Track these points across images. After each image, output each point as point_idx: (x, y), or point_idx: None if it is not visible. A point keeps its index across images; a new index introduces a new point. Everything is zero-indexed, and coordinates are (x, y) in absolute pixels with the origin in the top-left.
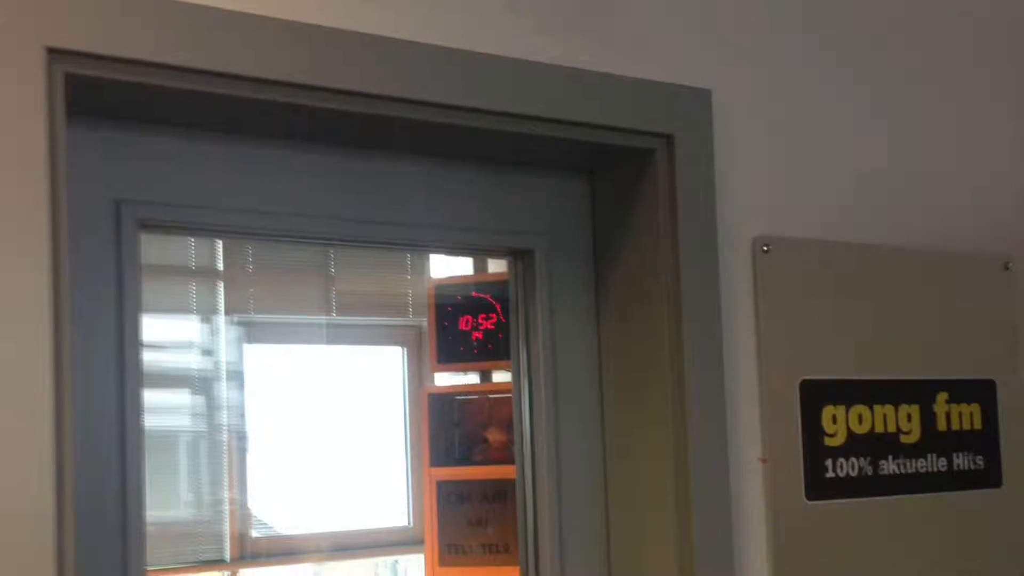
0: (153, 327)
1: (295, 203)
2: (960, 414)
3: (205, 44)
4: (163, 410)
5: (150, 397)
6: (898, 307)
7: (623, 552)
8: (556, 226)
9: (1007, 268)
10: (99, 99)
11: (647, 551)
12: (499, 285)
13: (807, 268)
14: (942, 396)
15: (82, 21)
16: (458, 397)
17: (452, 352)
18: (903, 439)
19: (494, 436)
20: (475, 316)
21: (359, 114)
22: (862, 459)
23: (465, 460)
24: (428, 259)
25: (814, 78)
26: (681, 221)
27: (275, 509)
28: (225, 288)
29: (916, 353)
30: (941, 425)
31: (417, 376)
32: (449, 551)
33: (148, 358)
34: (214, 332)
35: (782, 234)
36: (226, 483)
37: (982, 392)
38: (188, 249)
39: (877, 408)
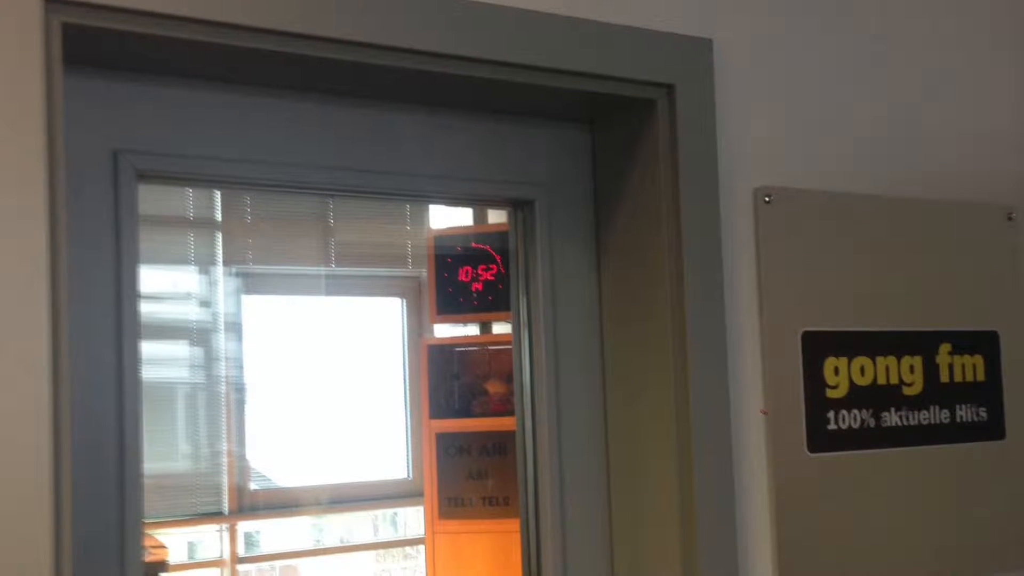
0: (151, 278)
1: (294, 153)
2: (963, 366)
3: None
4: (161, 362)
5: (148, 349)
6: (900, 258)
7: (623, 504)
8: (557, 176)
9: (1010, 219)
10: (96, 49)
11: (648, 503)
12: (499, 236)
13: (809, 219)
14: (945, 347)
15: None
16: (458, 349)
17: (452, 303)
18: (905, 391)
19: (494, 388)
20: (475, 267)
21: (357, 63)
22: (864, 411)
23: (465, 412)
24: (428, 210)
25: (815, 27)
26: (682, 172)
27: (274, 462)
28: (223, 239)
29: (919, 304)
30: (944, 377)
31: (416, 327)
32: (449, 504)
33: (146, 309)
34: (212, 283)
35: (783, 184)
36: (224, 435)
37: (985, 343)
38: (186, 200)
39: (879, 360)
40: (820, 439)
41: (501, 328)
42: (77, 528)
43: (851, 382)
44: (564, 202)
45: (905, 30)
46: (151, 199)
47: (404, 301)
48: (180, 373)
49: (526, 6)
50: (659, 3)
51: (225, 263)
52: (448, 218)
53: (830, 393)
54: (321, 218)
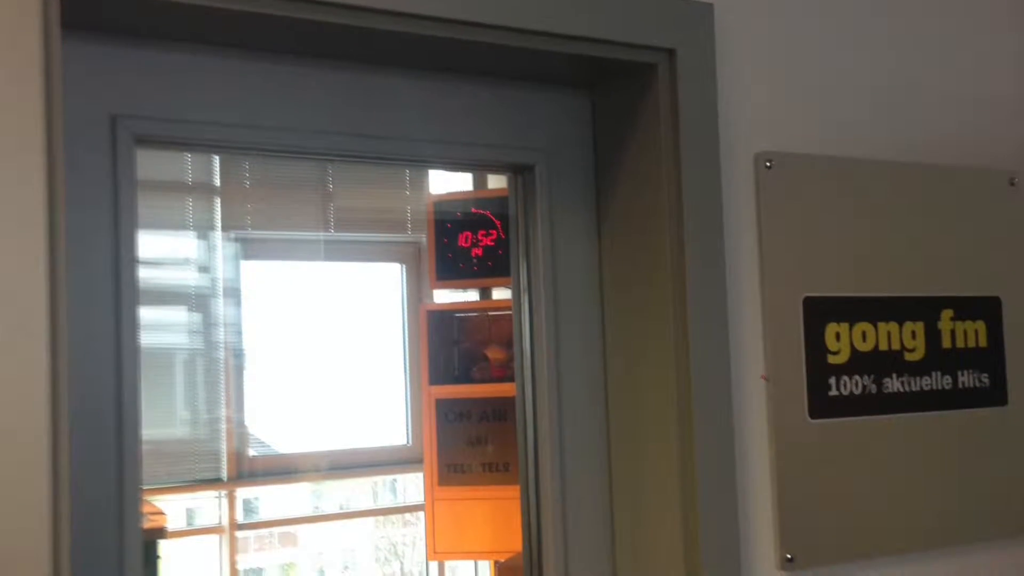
0: (149, 243)
1: (292, 118)
2: (965, 331)
3: None
4: (159, 328)
5: (146, 314)
6: (902, 223)
7: (624, 470)
8: (557, 142)
9: (1012, 183)
10: (96, 13)
11: (648, 468)
12: (499, 201)
13: (810, 184)
14: (947, 313)
15: None
16: (457, 314)
17: (451, 269)
18: (907, 357)
19: (494, 354)
20: (475, 232)
21: (357, 28)
22: (866, 377)
23: (464, 378)
24: (427, 175)
25: None
26: (683, 137)
27: (273, 428)
28: (222, 204)
29: (921, 270)
30: (946, 342)
31: (416, 293)
32: (448, 470)
33: (144, 275)
34: (211, 248)
35: (785, 150)
36: (223, 401)
37: (988, 309)
38: (185, 165)
39: (881, 325)
40: (821, 405)
41: (501, 294)
42: (75, 495)
43: (853, 348)
44: (564, 167)
45: None
46: (149, 164)
47: (403, 267)
48: (179, 339)
49: None
50: None
51: (224, 228)
52: (448, 183)
53: (831, 359)
54: (320, 183)
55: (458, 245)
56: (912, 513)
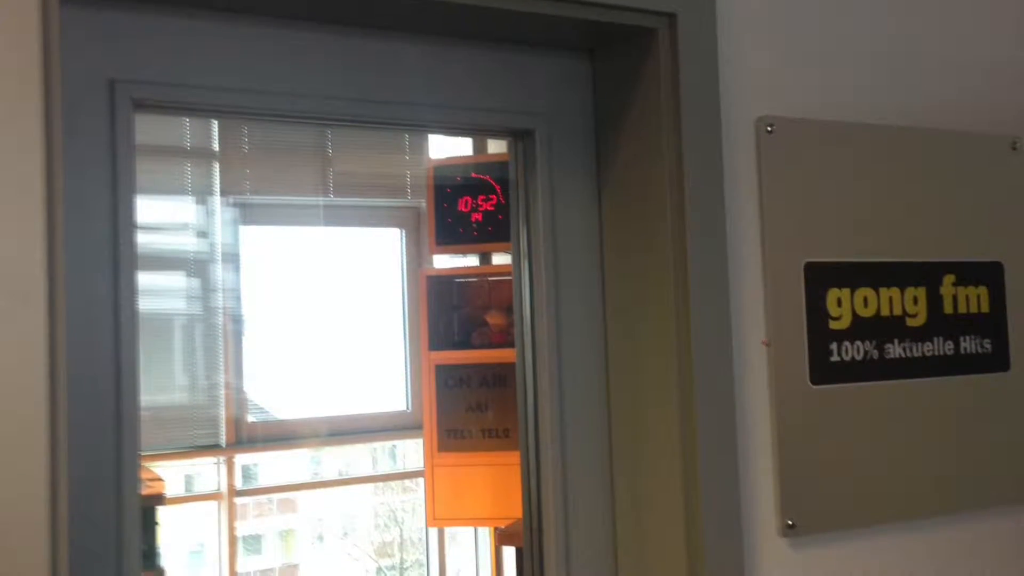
0: (148, 208)
1: (291, 82)
2: (967, 297)
3: None
4: (158, 293)
5: (144, 280)
6: (904, 188)
7: (624, 436)
8: (557, 106)
9: (1014, 148)
10: None
11: (649, 434)
12: (499, 165)
13: (811, 149)
14: (949, 278)
15: None
16: (457, 280)
17: (451, 234)
18: (909, 322)
19: (494, 319)
20: (474, 197)
21: None
22: (868, 342)
23: (464, 344)
24: (427, 139)
25: None
26: (684, 101)
27: (272, 394)
28: (221, 169)
29: (922, 235)
30: (948, 308)
31: (415, 258)
32: (448, 436)
33: (143, 240)
34: (209, 213)
35: (786, 114)
36: (222, 367)
37: (990, 274)
38: (183, 129)
39: (883, 291)
40: (823, 371)
41: (501, 259)
42: (73, 461)
43: (854, 313)
44: (564, 132)
45: None
46: (148, 129)
47: (403, 231)
48: (177, 304)
49: None
50: None
51: (223, 193)
52: (448, 148)
53: (833, 324)
54: (319, 148)
55: (458, 210)
56: (913, 479)
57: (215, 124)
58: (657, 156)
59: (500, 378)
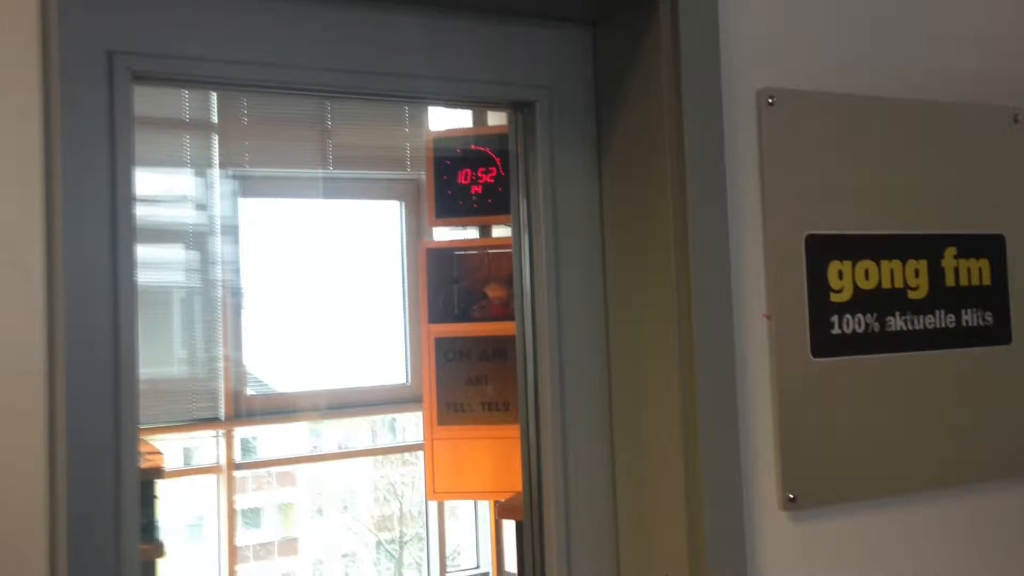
0: (147, 181)
1: (291, 54)
2: (969, 269)
3: None
4: (157, 265)
5: (143, 252)
6: (905, 160)
7: (625, 409)
8: (558, 78)
9: (1016, 120)
10: None
11: (650, 407)
12: (499, 138)
13: (812, 121)
14: (950, 251)
15: None
16: (457, 252)
17: (451, 206)
18: (911, 295)
19: (494, 292)
20: (474, 170)
21: None
22: (869, 315)
23: (464, 316)
24: (426, 111)
25: None
26: (685, 73)
27: (271, 367)
28: (219, 141)
29: (924, 207)
30: (949, 280)
31: (415, 231)
32: (448, 409)
33: (141, 212)
34: (208, 186)
35: (787, 86)
36: (221, 340)
37: (991, 247)
38: (182, 101)
39: (884, 263)
40: (824, 343)
41: (501, 231)
42: (72, 434)
43: (855, 286)
44: (565, 104)
45: None
46: (147, 101)
47: (403, 204)
48: (176, 277)
49: None
50: None
51: (221, 166)
52: (447, 120)
53: (834, 297)
54: (319, 120)
55: (458, 182)
56: (915, 452)
57: (214, 96)
58: (658, 127)
59: (500, 351)
